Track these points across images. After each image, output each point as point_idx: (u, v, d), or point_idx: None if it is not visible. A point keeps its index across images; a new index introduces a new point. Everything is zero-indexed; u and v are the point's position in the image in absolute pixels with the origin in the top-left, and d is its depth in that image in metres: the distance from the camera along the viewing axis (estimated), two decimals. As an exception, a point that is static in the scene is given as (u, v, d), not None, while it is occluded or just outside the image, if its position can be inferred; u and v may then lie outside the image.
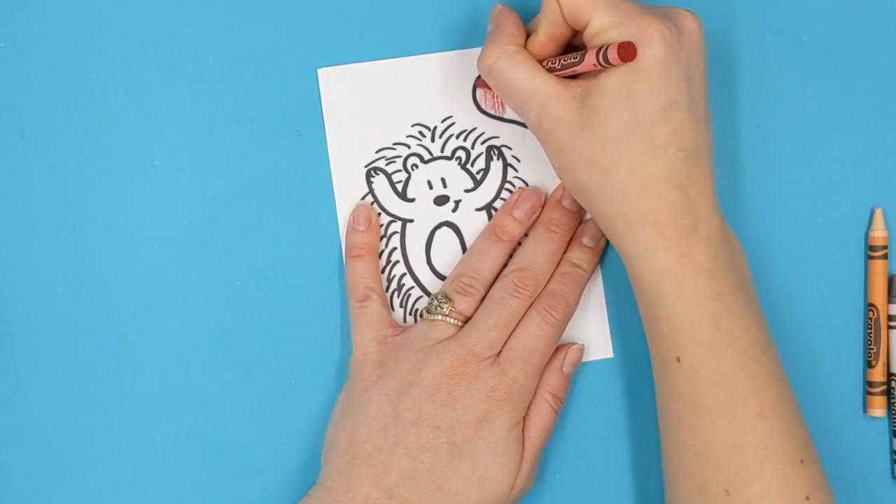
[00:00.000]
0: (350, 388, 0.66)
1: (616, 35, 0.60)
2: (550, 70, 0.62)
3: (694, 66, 0.61)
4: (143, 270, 0.69)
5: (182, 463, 0.69)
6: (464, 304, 0.66)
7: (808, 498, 0.60)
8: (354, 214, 0.69)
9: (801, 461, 0.60)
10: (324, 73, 0.69)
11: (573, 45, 0.64)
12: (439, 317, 0.66)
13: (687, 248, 0.60)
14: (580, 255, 0.68)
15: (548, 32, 0.63)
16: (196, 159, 0.69)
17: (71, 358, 0.68)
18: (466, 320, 0.66)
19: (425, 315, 0.67)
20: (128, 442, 0.68)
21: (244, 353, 0.69)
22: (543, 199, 0.69)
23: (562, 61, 0.62)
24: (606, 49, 0.59)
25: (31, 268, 0.68)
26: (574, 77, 0.62)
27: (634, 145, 0.60)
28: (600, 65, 0.59)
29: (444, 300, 0.66)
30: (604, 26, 0.60)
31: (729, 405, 0.60)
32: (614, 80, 0.60)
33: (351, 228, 0.69)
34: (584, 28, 0.61)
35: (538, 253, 0.67)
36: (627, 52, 0.58)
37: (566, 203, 0.68)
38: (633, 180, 0.60)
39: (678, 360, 0.61)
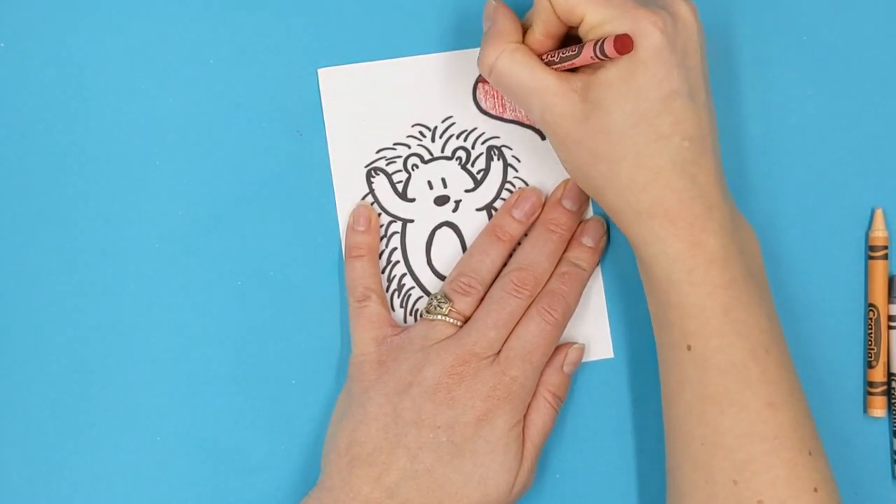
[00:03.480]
0: (350, 388, 0.66)
1: (611, 29, 0.60)
2: (549, 63, 0.63)
3: (692, 52, 0.61)
4: (144, 270, 0.69)
5: (182, 463, 0.69)
6: (463, 304, 0.66)
7: (816, 490, 0.60)
8: (354, 215, 0.69)
9: (810, 453, 0.60)
10: (324, 73, 0.70)
11: (572, 36, 0.64)
12: (439, 317, 0.66)
13: (698, 236, 0.60)
14: (580, 255, 0.68)
15: (542, 30, 0.63)
16: (196, 159, 0.69)
17: (71, 358, 0.68)
18: (466, 320, 0.66)
19: (425, 315, 0.67)
20: (128, 442, 0.68)
21: (244, 353, 0.69)
22: (543, 200, 0.69)
23: (560, 55, 0.62)
24: (603, 42, 0.59)
25: (32, 268, 0.69)
26: (574, 70, 0.62)
27: (639, 137, 0.60)
28: (597, 58, 0.59)
29: (443, 300, 0.66)
30: (598, 21, 0.60)
31: (738, 394, 0.60)
32: (614, 74, 0.60)
33: (351, 228, 0.69)
34: (579, 24, 0.61)
35: (537, 253, 0.67)
36: (624, 44, 0.58)
37: (566, 203, 0.68)
38: (639, 172, 0.60)
39: (689, 348, 0.61)
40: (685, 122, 0.60)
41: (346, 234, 0.69)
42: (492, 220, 0.69)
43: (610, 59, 0.59)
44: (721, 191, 0.61)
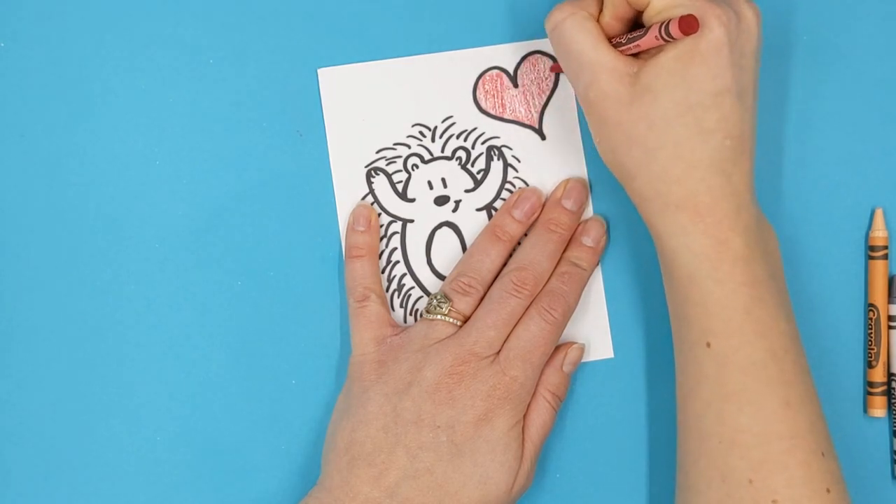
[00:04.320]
0: (349, 388, 0.66)
1: (676, 14, 0.59)
2: (616, 45, 0.63)
3: (749, 55, 0.61)
4: (143, 270, 0.69)
5: (182, 463, 0.69)
6: (463, 304, 0.66)
7: (828, 490, 0.60)
8: (354, 215, 0.69)
9: (823, 454, 0.60)
10: (324, 73, 0.70)
11: (639, 24, 0.64)
12: (439, 316, 0.66)
13: (726, 234, 0.60)
14: (580, 255, 0.68)
15: (612, 13, 0.63)
16: (196, 159, 0.69)
17: (71, 358, 0.68)
18: (466, 320, 0.66)
19: (425, 315, 0.67)
20: (128, 442, 0.68)
21: (244, 354, 0.69)
22: (543, 199, 0.69)
23: (627, 36, 0.62)
24: (668, 23, 0.59)
25: (32, 268, 0.69)
26: (635, 56, 0.62)
27: (682, 128, 0.60)
28: (662, 38, 0.59)
29: (443, 300, 0.66)
30: (664, 6, 0.60)
31: (757, 393, 0.60)
32: (671, 60, 0.60)
33: (351, 229, 0.69)
34: (646, 8, 0.61)
35: (537, 252, 0.67)
36: (689, 25, 0.58)
37: (566, 203, 0.68)
38: (676, 163, 0.60)
39: (708, 345, 0.61)
40: (731, 121, 0.60)
41: (346, 234, 0.69)
42: (492, 220, 0.69)
43: (673, 39, 0.59)
44: (751, 193, 0.62)
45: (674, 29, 0.58)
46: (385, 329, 0.67)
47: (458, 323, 0.66)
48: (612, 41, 0.63)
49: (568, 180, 0.69)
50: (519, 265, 0.66)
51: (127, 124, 0.69)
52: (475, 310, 0.66)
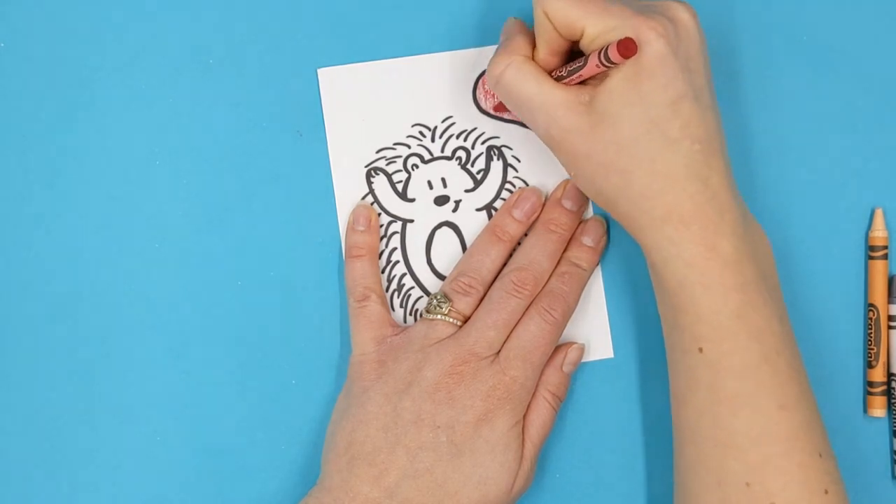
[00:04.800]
0: (349, 388, 0.66)
1: (613, 38, 0.60)
2: (558, 79, 0.63)
3: (694, 56, 0.61)
4: (143, 270, 0.69)
5: (182, 463, 0.69)
6: (463, 304, 0.66)
7: (826, 492, 0.60)
8: (354, 214, 0.69)
9: (820, 455, 0.60)
10: (324, 73, 0.70)
11: (576, 52, 0.64)
12: (439, 316, 0.66)
13: (712, 240, 0.60)
14: (580, 255, 0.68)
15: (546, 49, 0.63)
16: (196, 159, 0.69)
17: (71, 358, 0.68)
18: (466, 320, 0.66)
19: (425, 315, 0.67)
20: (128, 442, 0.68)
21: (244, 354, 0.69)
22: (543, 199, 0.69)
23: (567, 68, 0.62)
24: (607, 49, 0.59)
25: (31, 268, 0.69)
26: (583, 84, 0.62)
27: (650, 144, 0.60)
28: (603, 65, 0.59)
29: (443, 300, 0.66)
30: (598, 32, 0.60)
31: (751, 397, 0.60)
32: (620, 83, 0.60)
33: (351, 228, 0.69)
34: (581, 38, 0.61)
35: (538, 252, 0.67)
36: (627, 47, 0.58)
37: (566, 203, 0.68)
38: (653, 179, 0.60)
39: (700, 350, 0.61)
40: (693, 126, 0.60)
41: (346, 234, 0.69)
42: (492, 219, 0.69)
43: (615, 64, 0.59)
44: (732, 192, 0.61)
45: (613, 55, 0.58)
46: (385, 329, 0.67)
47: (458, 323, 0.66)
48: (553, 75, 0.63)
49: (568, 180, 0.69)
50: (519, 265, 0.66)
51: (127, 124, 0.69)
52: (475, 310, 0.66)
